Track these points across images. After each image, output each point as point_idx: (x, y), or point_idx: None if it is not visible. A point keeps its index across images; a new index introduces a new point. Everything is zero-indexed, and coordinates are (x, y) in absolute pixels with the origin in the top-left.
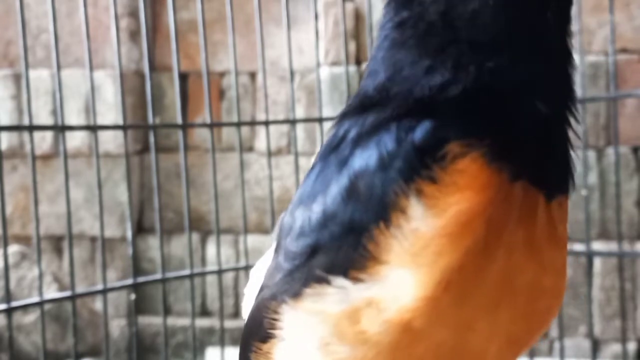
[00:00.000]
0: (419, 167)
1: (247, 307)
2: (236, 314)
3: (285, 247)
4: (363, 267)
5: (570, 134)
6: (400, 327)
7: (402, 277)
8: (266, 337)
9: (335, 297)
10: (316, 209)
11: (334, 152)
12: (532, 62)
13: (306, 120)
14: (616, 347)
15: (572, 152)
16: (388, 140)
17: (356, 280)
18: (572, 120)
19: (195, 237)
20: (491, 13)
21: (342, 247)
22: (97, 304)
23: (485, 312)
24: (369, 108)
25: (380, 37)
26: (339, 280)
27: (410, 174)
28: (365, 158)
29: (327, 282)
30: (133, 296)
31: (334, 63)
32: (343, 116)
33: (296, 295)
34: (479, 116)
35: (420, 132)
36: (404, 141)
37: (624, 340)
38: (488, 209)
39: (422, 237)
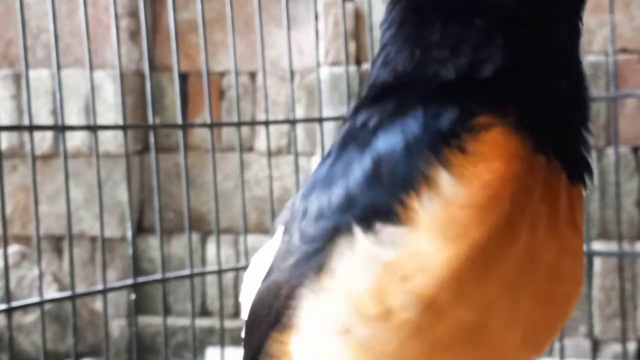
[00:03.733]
0: (447, 139)
1: (249, 291)
2: (236, 314)
3: (301, 230)
4: (391, 235)
5: (589, 126)
6: (425, 302)
7: (429, 249)
8: (281, 325)
9: (361, 268)
10: (337, 191)
11: (353, 140)
12: (557, 42)
13: (306, 120)
14: (616, 347)
15: (589, 145)
16: (414, 126)
17: (382, 244)
18: (588, 113)
19: (195, 237)
20: None
21: (367, 227)
22: (97, 304)
23: (507, 291)
24: (388, 95)
25: (393, 20)
26: (365, 248)
27: (438, 147)
28: (390, 142)
29: (352, 252)
30: (133, 296)
31: (334, 63)
32: (358, 108)
33: (318, 273)
34: (505, 91)
35: (447, 118)
36: (430, 127)
37: (624, 340)
38: (514, 181)
39: (451, 208)
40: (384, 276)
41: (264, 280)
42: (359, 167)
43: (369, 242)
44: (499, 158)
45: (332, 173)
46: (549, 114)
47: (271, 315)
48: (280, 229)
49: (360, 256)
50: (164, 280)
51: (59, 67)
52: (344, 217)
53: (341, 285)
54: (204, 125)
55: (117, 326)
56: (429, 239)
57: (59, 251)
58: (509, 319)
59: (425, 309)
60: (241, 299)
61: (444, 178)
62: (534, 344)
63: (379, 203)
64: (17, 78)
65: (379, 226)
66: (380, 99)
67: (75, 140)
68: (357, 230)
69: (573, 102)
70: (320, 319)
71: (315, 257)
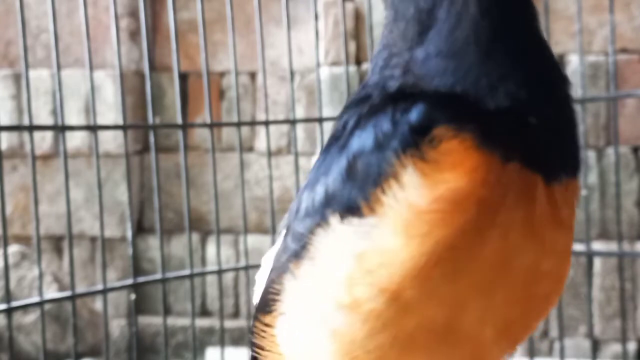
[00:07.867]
0: (412, 145)
1: (256, 294)
2: (236, 314)
3: (292, 229)
4: (361, 228)
5: (574, 120)
6: (388, 296)
7: (394, 245)
8: (268, 309)
9: (335, 259)
10: (319, 190)
11: (336, 142)
12: (517, 55)
13: (306, 120)
14: (616, 347)
15: (577, 135)
16: (384, 122)
17: (353, 236)
18: (572, 108)
19: (195, 237)
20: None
21: (342, 219)
22: (97, 304)
23: (480, 291)
24: (368, 99)
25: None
26: (339, 239)
27: (405, 148)
28: (362, 139)
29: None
30: (133, 296)
31: (334, 63)
32: (343, 111)
33: (299, 262)
34: (469, 103)
35: (416, 113)
36: (399, 122)
37: (624, 340)
38: (479, 189)
39: (416, 208)
40: (353, 267)
41: (265, 282)
42: (337, 165)
43: (342, 234)
44: (462, 168)
45: (317, 174)
46: (516, 120)
47: (265, 307)
48: (282, 233)
49: (335, 247)
50: (164, 280)
51: (59, 67)
52: (324, 212)
53: (318, 274)
54: (204, 125)
55: (117, 326)
56: (393, 235)
57: (59, 251)
58: (482, 317)
59: (390, 303)
60: (253, 300)
61: (410, 178)
62: (509, 340)
63: (353, 197)
64: (17, 78)
65: (351, 219)
66: (361, 102)
67: (75, 140)
68: (334, 222)
69: (545, 104)
70: (300, 304)
71: (302, 252)
